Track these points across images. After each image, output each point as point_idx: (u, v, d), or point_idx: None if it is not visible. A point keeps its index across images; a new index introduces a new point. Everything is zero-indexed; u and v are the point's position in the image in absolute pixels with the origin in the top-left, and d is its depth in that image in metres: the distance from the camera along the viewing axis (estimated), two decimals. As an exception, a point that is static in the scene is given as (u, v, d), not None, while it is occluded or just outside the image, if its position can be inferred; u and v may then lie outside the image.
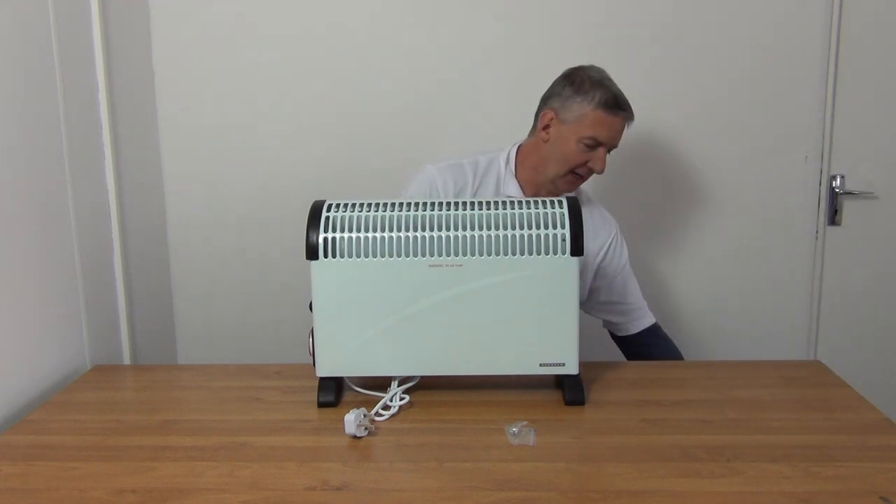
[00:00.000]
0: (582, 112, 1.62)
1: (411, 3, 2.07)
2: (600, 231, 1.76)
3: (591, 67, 1.67)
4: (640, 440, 1.24)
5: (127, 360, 1.91)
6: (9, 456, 1.22)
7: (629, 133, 2.10)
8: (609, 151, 1.65)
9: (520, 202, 1.37)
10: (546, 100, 1.69)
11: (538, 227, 1.33)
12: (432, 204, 1.37)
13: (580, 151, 1.63)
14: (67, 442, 1.27)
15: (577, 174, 1.66)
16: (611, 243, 1.76)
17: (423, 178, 1.70)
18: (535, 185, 1.71)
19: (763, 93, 2.10)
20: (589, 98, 1.61)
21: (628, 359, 1.83)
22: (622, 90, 1.63)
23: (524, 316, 1.35)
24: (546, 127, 1.67)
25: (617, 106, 1.61)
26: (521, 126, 2.19)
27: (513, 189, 1.71)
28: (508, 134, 2.14)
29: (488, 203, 1.37)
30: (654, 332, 1.82)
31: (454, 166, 1.72)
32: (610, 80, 1.65)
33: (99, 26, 1.77)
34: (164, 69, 2.11)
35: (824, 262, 2.17)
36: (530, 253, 1.32)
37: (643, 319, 1.81)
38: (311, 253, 1.33)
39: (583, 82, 1.63)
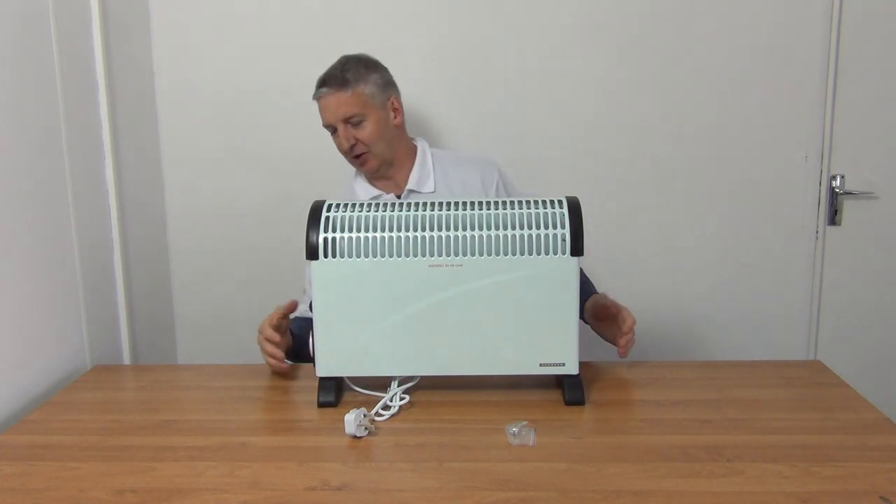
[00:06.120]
0: None
1: (411, 4, 2.07)
2: (487, 172, 1.80)
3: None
4: (640, 440, 1.24)
5: (127, 360, 1.91)
6: (9, 456, 1.22)
7: (628, 133, 2.12)
8: (352, 125, 1.68)
9: (519, 202, 1.37)
10: None
11: (538, 227, 1.33)
12: (432, 204, 1.37)
13: (334, 138, 1.73)
14: (67, 442, 1.27)
15: (353, 157, 1.73)
16: (498, 180, 1.80)
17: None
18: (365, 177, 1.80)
19: (763, 93, 2.09)
20: None
21: None
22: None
23: (524, 316, 1.35)
24: None
25: (317, 87, 1.69)
26: (519, 126, 2.19)
27: (360, 187, 1.80)
28: (505, 134, 2.15)
29: (488, 203, 1.37)
30: None
31: (345, 191, 1.83)
32: (338, 61, 1.70)
33: (99, 26, 1.77)
34: (164, 69, 2.11)
35: (824, 261, 2.17)
36: (530, 253, 1.32)
37: None
38: (311, 253, 1.33)
39: None
